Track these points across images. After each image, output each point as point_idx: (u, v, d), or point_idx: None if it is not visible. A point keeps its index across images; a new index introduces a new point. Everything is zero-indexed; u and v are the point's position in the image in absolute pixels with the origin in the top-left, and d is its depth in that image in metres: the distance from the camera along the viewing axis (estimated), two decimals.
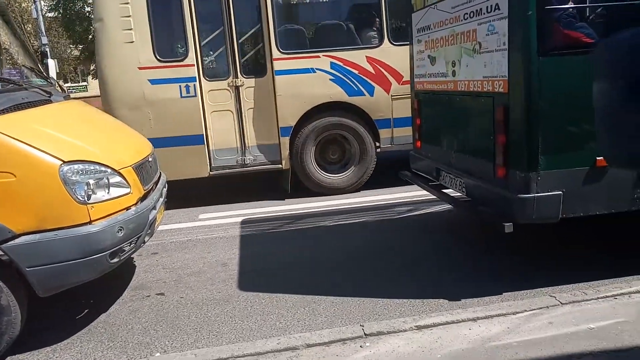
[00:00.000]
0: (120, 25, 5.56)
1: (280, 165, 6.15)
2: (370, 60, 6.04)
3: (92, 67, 26.09)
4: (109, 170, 3.06)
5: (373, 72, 6.05)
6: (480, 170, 3.48)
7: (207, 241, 4.86)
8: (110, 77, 5.68)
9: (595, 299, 2.89)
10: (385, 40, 6.07)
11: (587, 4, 3.27)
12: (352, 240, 4.58)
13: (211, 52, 6.06)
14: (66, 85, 28.28)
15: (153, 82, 5.70)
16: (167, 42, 6.03)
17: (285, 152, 6.09)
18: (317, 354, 2.58)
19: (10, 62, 4.05)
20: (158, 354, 2.90)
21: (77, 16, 22.76)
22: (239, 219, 5.48)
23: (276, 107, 5.98)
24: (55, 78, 4.59)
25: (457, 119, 3.92)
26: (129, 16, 5.56)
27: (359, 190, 6.31)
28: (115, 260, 3.05)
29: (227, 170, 6.12)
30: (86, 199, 2.88)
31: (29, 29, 22.62)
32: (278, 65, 5.89)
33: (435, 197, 4.39)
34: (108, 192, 3.03)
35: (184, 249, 4.70)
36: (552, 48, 2.92)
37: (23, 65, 3.99)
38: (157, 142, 5.67)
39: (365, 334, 2.70)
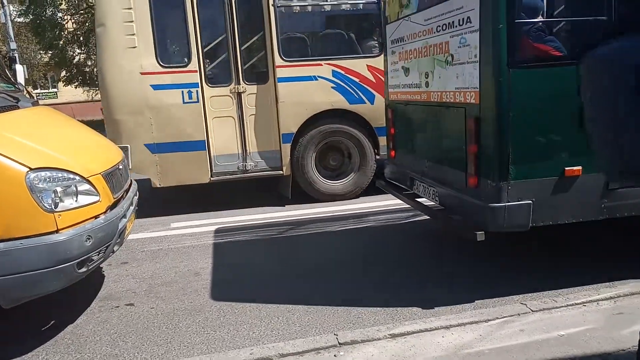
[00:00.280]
0: (123, 30, 5.52)
1: (281, 172, 6.17)
2: (371, 68, 6.12)
3: (62, 74, 25.62)
4: (77, 177, 2.99)
5: (374, 80, 6.12)
6: (452, 180, 3.52)
7: (179, 250, 4.78)
8: (112, 82, 5.62)
9: (565, 307, 2.95)
10: None
11: (556, 19, 3.36)
12: (328, 249, 4.57)
13: (214, 59, 6.06)
14: (36, 91, 27.69)
15: (155, 87, 5.68)
16: (169, 47, 6.03)
17: (286, 158, 6.11)
18: None
19: None
20: None
21: (48, 22, 22.34)
22: (213, 228, 5.42)
23: (278, 114, 6.01)
24: (23, 84, 4.48)
25: (430, 129, 3.97)
26: (132, 21, 5.52)
27: (358, 196, 6.34)
28: (83, 270, 2.97)
29: (228, 176, 6.10)
30: (53, 207, 2.81)
31: None
32: (280, 73, 5.93)
33: (409, 205, 4.43)
34: (76, 200, 2.96)
35: (155, 258, 4.61)
36: (521, 61, 2.99)
37: None
38: (158, 148, 5.71)
39: (339, 343, 2.69)
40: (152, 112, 5.68)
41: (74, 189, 2.96)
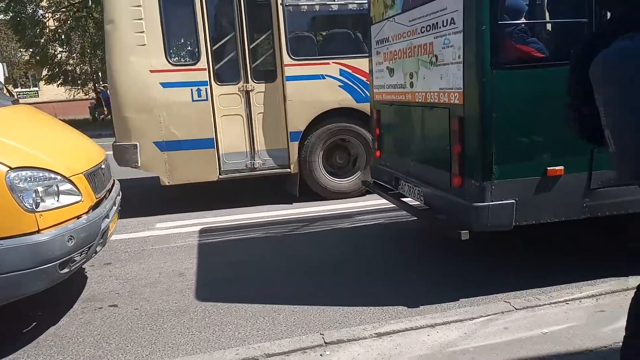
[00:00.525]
0: (132, 28, 5.50)
1: (288, 170, 6.22)
2: None
3: (44, 73, 25.24)
4: (59, 177, 2.96)
5: None
6: (437, 180, 3.55)
7: (163, 251, 4.74)
8: (121, 80, 5.60)
9: (548, 304, 2.98)
10: None
11: (538, 20, 3.41)
12: (314, 248, 4.57)
13: (222, 57, 6.06)
14: (16, 90, 27.19)
15: (165, 85, 5.67)
16: (179, 45, 6.02)
17: (294, 156, 6.16)
18: None
19: None
20: None
21: (29, 19, 22.00)
22: (198, 228, 5.38)
23: (285, 112, 6.06)
24: (3, 82, 4.40)
25: (415, 130, 3.99)
26: (141, 19, 5.51)
27: (364, 194, 6.35)
28: (66, 270, 2.93)
29: (236, 174, 6.11)
30: (34, 207, 2.77)
31: None
32: (289, 71, 5.98)
33: (395, 205, 4.45)
34: (58, 200, 2.92)
35: (138, 259, 4.56)
36: (504, 62, 3.02)
37: None
38: (167, 145, 5.72)
39: (325, 343, 2.69)
40: (161, 110, 5.67)
41: (56, 188, 2.92)
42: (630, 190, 3.16)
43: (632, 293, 3.04)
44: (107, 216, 3.35)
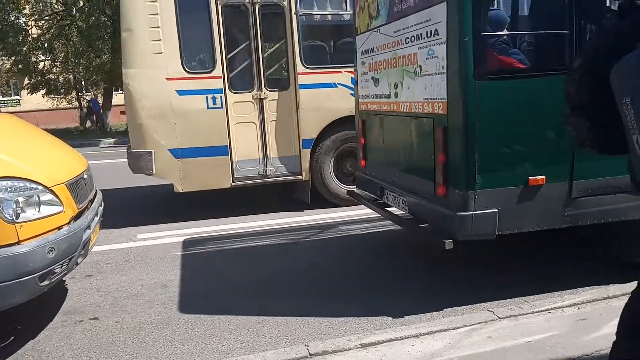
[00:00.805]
0: (149, 36, 5.54)
1: (300, 177, 6.26)
2: None
3: (26, 81, 24.92)
4: (40, 187, 2.91)
5: None
6: (421, 189, 3.56)
7: (145, 262, 4.68)
8: (137, 87, 5.62)
9: (531, 313, 3.00)
10: None
11: (520, 32, 3.46)
12: (298, 259, 4.55)
13: (237, 65, 6.11)
14: None
15: (181, 93, 5.70)
16: (195, 54, 6.05)
17: (306, 163, 6.21)
18: None
19: None
20: None
21: (11, 27, 21.74)
22: (181, 239, 5.32)
23: (298, 120, 6.12)
24: None
25: (400, 139, 4.02)
26: (158, 27, 5.55)
27: None
28: (46, 282, 2.88)
29: (249, 182, 6.13)
30: (14, 217, 2.73)
31: None
32: (302, 80, 6.06)
33: (379, 215, 4.46)
34: (38, 211, 2.88)
35: (120, 270, 4.50)
36: (487, 72, 3.06)
37: None
38: (182, 153, 5.74)
39: (310, 354, 2.67)
40: (176, 117, 5.70)
41: (37, 199, 2.88)
42: (611, 200, 3.22)
43: (613, 301, 3.10)
44: (88, 227, 3.30)
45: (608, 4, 3.17)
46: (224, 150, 5.91)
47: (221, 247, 5.02)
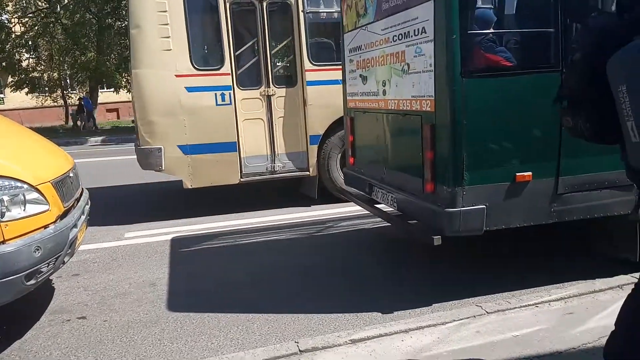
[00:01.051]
0: (158, 33, 5.55)
1: (307, 173, 6.32)
2: None
3: (9, 80, 24.57)
4: (26, 185, 2.88)
5: None
6: (410, 186, 3.58)
7: (133, 260, 4.65)
8: (147, 84, 5.65)
9: (519, 308, 3.04)
10: None
11: (506, 30, 3.49)
12: (287, 256, 4.55)
13: (245, 62, 6.15)
14: None
15: (190, 89, 5.74)
16: (203, 50, 6.11)
17: (313, 159, 6.27)
18: None
19: None
20: None
21: None
22: (169, 237, 5.29)
23: (305, 116, 6.19)
24: None
25: (388, 137, 4.03)
26: (167, 24, 5.59)
27: None
28: (32, 282, 2.84)
29: (257, 177, 6.18)
30: (0, 216, 2.68)
31: None
32: (309, 76, 6.12)
33: (369, 212, 4.48)
34: (24, 210, 2.84)
35: (108, 269, 4.46)
36: (474, 70, 3.08)
37: None
38: (191, 149, 5.77)
39: (300, 351, 2.68)
40: (186, 113, 5.73)
41: (22, 197, 2.84)
42: (596, 195, 3.26)
43: (599, 295, 3.16)
44: (75, 226, 3.27)
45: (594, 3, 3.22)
46: (232, 147, 5.96)
47: (210, 245, 5.01)
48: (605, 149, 2.02)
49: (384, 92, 3.88)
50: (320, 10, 6.38)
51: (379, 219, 4.56)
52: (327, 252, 4.66)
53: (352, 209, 5.95)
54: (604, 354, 2.08)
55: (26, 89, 24.22)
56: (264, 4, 6.04)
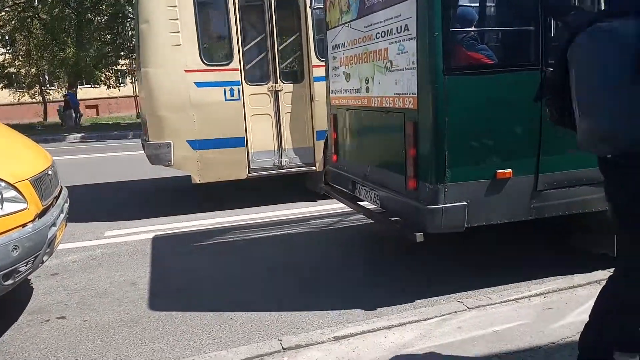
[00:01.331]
0: (167, 27, 5.54)
1: (314, 168, 6.36)
2: None
3: None
4: (3, 183, 2.82)
5: None
6: (392, 183, 3.60)
7: (113, 260, 4.59)
8: (156, 79, 5.62)
9: (499, 303, 3.08)
10: None
11: (488, 28, 3.52)
12: (269, 254, 4.54)
13: (253, 58, 6.17)
14: None
15: (199, 85, 5.73)
16: (212, 45, 6.11)
17: (320, 154, 6.28)
18: None
19: None
20: None
21: None
22: (150, 235, 5.23)
23: (312, 112, 6.21)
24: None
25: (371, 134, 4.04)
26: (176, 19, 5.56)
27: None
28: (10, 282, 2.79)
29: (265, 172, 6.19)
30: None
31: None
32: (316, 72, 6.09)
33: (352, 209, 4.49)
34: (1, 208, 2.79)
35: (87, 268, 4.40)
36: (456, 68, 3.11)
37: None
38: (200, 144, 5.76)
39: (283, 348, 2.67)
40: (195, 109, 5.72)
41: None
42: (575, 192, 3.32)
43: (578, 290, 3.22)
44: (54, 224, 3.21)
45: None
46: (240, 142, 5.98)
47: (191, 243, 4.96)
48: None
49: (367, 90, 3.89)
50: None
51: (363, 216, 4.57)
52: (309, 249, 4.66)
53: (306, 209, 6.00)
54: (579, 347, 2.12)
55: (2, 85, 23.71)
56: (272, 0, 6.05)
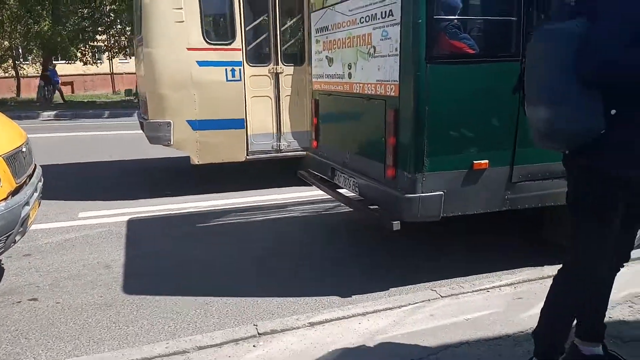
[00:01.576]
0: (170, 3, 5.38)
1: None
2: None
3: None
4: None
5: None
6: (372, 171, 3.61)
7: (87, 242, 4.52)
8: (158, 56, 5.53)
9: (471, 292, 3.13)
10: None
11: (471, 17, 3.51)
12: (246, 240, 4.53)
13: (255, 39, 6.10)
14: None
15: (201, 64, 5.63)
16: (215, 24, 5.99)
17: None
18: (209, 356, 2.51)
19: None
20: None
21: None
22: (125, 218, 5.16)
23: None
24: None
25: (352, 120, 4.03)
26: None
27: None
28: None
29: (263, 155, 6.14)
30: None
31: None
32: None
33: (330, 196, 4.49)
34: None
35: (60, 250, 4.32)
36: (438, 56, 3.09)
37: None
38: (200, 125, 5.66)
39: (258, 334, 2.68)
40: (196, 88, 5.63)
41: None
42: (548, 185, 3.37)
43: (547, 281, 3.24)
44: (27, 203, 3.14)
45: None
46: (240, 124, 5.92)
47: (169, 227, 4.92)
48: None
49: (350, 75, 3.87)
50: None
51: (341, 204, 4.58)
52: (286, 236, 4.67)
53: (288, 195, 5.99)
54: (533, 332, 2.20)
55: None
56: None
